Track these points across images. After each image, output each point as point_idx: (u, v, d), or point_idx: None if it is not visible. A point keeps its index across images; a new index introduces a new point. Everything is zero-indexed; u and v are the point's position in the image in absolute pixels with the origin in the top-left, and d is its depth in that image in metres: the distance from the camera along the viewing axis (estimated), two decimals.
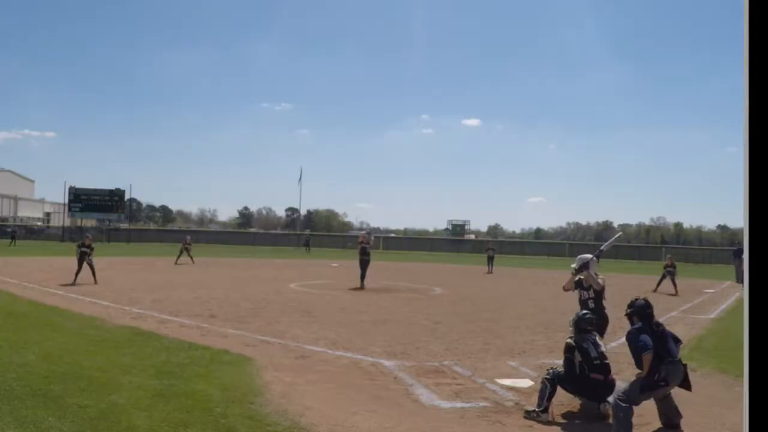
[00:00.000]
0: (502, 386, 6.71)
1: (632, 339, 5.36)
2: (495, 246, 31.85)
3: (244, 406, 5.46)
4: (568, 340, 5.94)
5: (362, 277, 18.12)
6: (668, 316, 13.52)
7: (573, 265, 7.37)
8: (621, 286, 23.21)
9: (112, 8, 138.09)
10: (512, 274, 28.62)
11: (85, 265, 16.74)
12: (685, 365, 5.41)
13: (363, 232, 17.93)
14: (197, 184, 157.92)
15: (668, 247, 50.22)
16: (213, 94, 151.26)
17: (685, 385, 5.37)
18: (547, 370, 5.98)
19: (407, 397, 6.18)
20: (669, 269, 19.71)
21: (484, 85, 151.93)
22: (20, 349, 7.49)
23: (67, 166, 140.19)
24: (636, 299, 5.64)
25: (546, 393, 5.66)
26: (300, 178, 72.05)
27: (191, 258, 27.41)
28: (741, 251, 27.07)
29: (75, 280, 16.30)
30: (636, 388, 5.20)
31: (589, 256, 7.37)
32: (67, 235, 57.59)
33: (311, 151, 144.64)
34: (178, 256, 27.47)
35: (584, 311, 6.28)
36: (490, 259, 29.29)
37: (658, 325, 5.49)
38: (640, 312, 5.44)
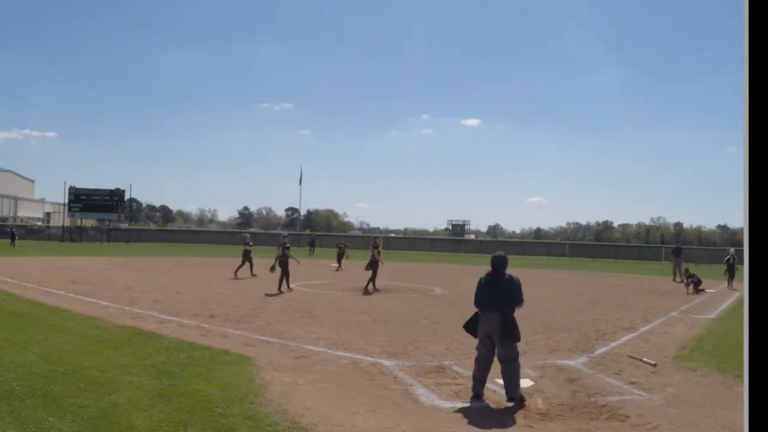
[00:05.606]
0: (502, 386, 6.69)
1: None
2: (347, 242, 33.27)
3: (244, 406, 5.46)
4: None
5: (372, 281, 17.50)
6: (668, 316, 13.53)
7: None
8: (623, 286, 23.19)
9: (112, 8, 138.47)
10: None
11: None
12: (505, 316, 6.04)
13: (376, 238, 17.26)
14: (197, 184, 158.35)
15: (668, 247, 50.19)
16: (213, 94, 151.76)
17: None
18: None
19: (407, 397, 6.17)
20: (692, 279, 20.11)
21: (484, 85, 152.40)
22: (20, 349, 7.48)
23: (67, 166, 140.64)
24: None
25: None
26: (300, 179, 72.13)
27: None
28: (680, 250, 27.07)
29: (279, 289, 15.85)
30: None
31: None
32: (67, 235, 57.60)
33: (312, 152, 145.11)
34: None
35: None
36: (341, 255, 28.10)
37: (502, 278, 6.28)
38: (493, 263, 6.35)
